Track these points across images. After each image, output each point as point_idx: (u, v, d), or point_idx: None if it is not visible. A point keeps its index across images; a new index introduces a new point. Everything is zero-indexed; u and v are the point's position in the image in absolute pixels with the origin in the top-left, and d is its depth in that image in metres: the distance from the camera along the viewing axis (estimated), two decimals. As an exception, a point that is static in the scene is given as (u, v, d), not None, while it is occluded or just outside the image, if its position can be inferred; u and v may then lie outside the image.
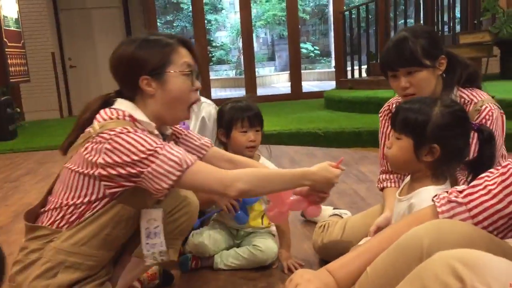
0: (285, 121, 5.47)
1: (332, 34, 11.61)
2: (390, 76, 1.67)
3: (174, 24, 14.81)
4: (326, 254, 1.88)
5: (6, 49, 6.60)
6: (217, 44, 15.22)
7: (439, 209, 1.02)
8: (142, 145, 1.24)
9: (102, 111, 1.34)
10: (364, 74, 7.33)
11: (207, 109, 2.19)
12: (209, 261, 1.93)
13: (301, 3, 13.33)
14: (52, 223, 1.33)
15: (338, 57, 8.28)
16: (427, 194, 1.23)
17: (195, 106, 2.15)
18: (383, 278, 0.96)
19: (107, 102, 1.40)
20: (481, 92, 1.67)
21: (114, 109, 1.35)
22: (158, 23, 9.10)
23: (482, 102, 1.60)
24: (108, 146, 1.25)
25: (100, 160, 1.25)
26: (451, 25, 6.42)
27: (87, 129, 1.33)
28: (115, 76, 1.39)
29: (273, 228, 2.00)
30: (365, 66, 7.29)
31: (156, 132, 1.38)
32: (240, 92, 9.85)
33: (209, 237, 1.92)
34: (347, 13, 7.58)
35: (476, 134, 1.37)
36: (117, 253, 1.47)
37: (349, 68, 7.40)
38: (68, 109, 8.92)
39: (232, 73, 14.45)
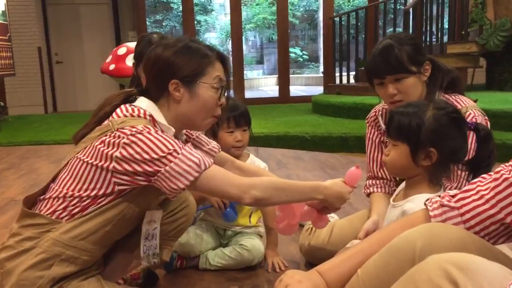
0: (273, 124, 5.47)
1: (321, 39, 11.66)
2: (377, 84, 1.67)
3: (164, 24, 14.74)
4: (313, 257, 1.87)
5: (-8, 42, 6.49)
6: (206, 45, 15.18)
7: (431, 213, 1.02)
8: (164, 144, 1.23)
9: (122, 107, 1.33)
10: (352, 80, 7.37)
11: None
12: (194, 261, 1.91)
13: (291, 7, 13.38)
14: (52, 212, 1.29)
15: (327, 62, 8.31)
16: (420, 201, 1.23)
17: None
18: (375, 281, 0.95)
19: (128, 98, 1.39)
20: (465, 98, 1.67)
21: (135, 106, 1.34)
22: (147, 22, 9.03)
23: (466, 108, 1.60)
24: (127, 141, 1.23)
25: (117, 154, 1.23)
26: (439, 35, 6.50)
27: (105, 122, 1.31)
28: (147, 73, 1.39)
29: (261, 229, 1.99)
30: (353, 73, 7.33)
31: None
32: (228, 94, 9.80)
33: (195, 236, 1.90)
34: (337, 19, 7.63)
35: (473, 134, 1.37)
36: (109, 250, 1.45)
37: (337, 74, 7.44)
38: (53, 105, 8.81)
39: (220, 75, 14.42)
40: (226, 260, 1.88)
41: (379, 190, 1.81)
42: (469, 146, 1.39)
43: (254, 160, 1.98)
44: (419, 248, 0.90)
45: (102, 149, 1.26)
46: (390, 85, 1.62)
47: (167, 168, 1.22)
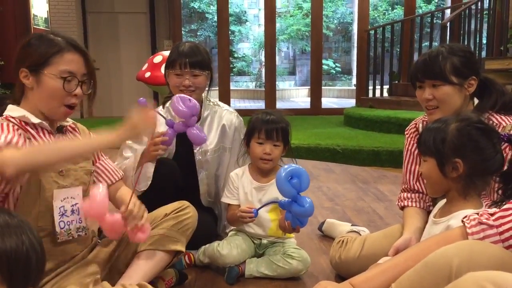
0: (304, 135, 5.46)
1: (354, 52, 11.61)
2: (418, 87, 1.72)
3: (198, 33, 14.95)
4: (343, 270, 1.86)
5: (34, 47, 6.73)
6: (239, 56, 15.31)
7: (469, 230, 1.01)
8: None
9: None
10: (385, 94, 7.30)
11: (228, 117, 2.19)
12: (233, 271, 1.88)
13: (325, 19, 13.38)
14: None
15: (360, 75, 8.26)
16: None
17: (216, 114, 2.17)
18: (409, 296, 0.95)
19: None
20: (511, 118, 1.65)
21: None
22: (182, 31, 9.19)
23: (510, 126, 1.58)
24: None
25: None
26: (477, 50, 6.38)
27: None
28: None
29: (294, 241, 1.99)
30: (387, 86, 7.26)
31: (37, 120, 1.42)
32: (259, 105, 9.87)
33: (237, 247, 1.89)
34: (372, 32, 7.59)
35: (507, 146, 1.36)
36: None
37: (370, 87, 7.38)
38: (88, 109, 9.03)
39: (252, 85, 14.50)
40: (273, 270, 1.87)
41: (414, 204, 1.79)
42: (503, 158, 1.38)
43: None
44: (456, 265, 0.89)
45: None
46: (427, 89, 1.68)
47: None
